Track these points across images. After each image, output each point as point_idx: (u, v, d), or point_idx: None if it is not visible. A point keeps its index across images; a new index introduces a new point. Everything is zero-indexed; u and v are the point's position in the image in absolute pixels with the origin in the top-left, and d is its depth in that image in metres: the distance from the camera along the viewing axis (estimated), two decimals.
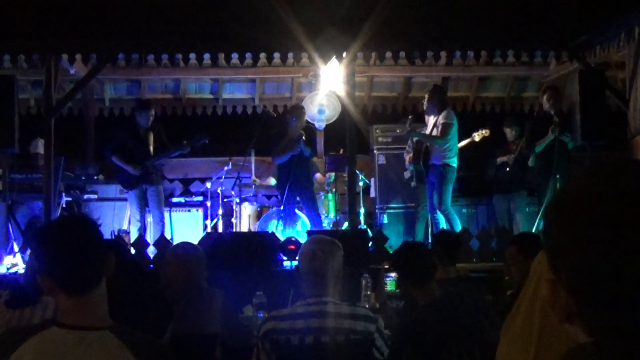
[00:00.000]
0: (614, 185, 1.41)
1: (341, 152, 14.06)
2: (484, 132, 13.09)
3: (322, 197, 13.79)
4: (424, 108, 12.65)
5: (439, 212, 12.10)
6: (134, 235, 11.97)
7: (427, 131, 12.52)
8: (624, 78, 13.05)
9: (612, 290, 1.37)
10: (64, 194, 12.70)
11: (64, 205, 12.62)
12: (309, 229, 12.17)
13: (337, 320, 4.81)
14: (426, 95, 12.66)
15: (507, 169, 12.90)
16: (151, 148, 12.41)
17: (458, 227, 11.92)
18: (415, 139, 12.69)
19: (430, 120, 12.56)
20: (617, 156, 12.91)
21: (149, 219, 12.70)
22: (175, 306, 5.94)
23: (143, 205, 12.45)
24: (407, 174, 13.30)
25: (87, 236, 3.15)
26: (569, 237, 1.43)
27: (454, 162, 12.19)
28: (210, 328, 5.95)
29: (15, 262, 11.35)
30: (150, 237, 12.13)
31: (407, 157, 13.06)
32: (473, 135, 13.12)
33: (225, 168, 13.82)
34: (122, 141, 12.39)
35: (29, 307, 5.52)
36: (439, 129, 12.25)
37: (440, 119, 12.26)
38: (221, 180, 13.88)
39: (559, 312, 1.48)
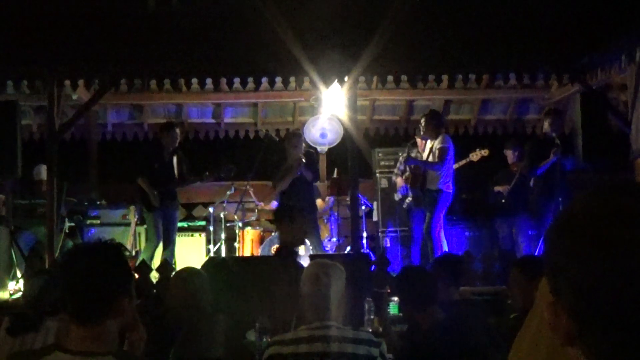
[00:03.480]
0: (614, 207, 1.41)
1: (336, 173, 14.10)
2: (483, 152, 13.06)
3: (325, 221, 13.79)
4: (421, 132, 12.64)
5: (433, 236, 12.06)
6: (145, 257, 12.01)
7: (424, 156, 12.52)
8: (625, 100, 13.04)
9: (611, 312, 1.37)
10: (66, 219, 12.69)
11: (67, 231, 12.61)
12: (311, 253, 12.15)
13: (340, 344, 4.80)
14: (422, 120, 12.64)
15: (503, 200, 12.90)
16: (176, 172, 12.49)
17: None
18: (412, 165, 12.70)
19: (427, 144, 12.57)
20: (619, 178, 12.91)
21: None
22: (178, 330, 5.94)
23: (161, 229, 12.46)
24: (397, 196, 13.33)
25: (103, 274, 3.14)
26: (568, 258, 1.43)
27: (451, 188, 12.17)
28: (213, 352, 5.95)
29: (18, 289, 11.35)
30: (155, 262, 12.14)
31: (398, 180, 13.10)
32: (470, 155, 13.10)
33: (228, 192, 13.81)
34: (148, 164, 12.43)
35: (31, 333, 5.51)
36: (436, 154, 12.25)
37: (437, 144, 12.24)
38: (224, 205, 13.87)
39: (560, 334, 1.48)
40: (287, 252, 8.45)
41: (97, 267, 3.12)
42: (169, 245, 12.51)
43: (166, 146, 12.54)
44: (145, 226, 13.02)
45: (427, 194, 12.27)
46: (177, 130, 12.79)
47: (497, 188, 13.15)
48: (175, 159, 12.57)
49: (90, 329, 3.07)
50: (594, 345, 1.43)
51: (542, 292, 1.89)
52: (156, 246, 12.41)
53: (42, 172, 12.70)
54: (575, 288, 1.41)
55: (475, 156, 13.07)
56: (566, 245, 1.44)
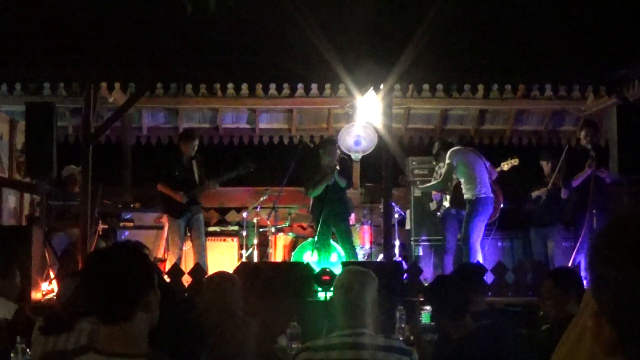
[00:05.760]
0: None
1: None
2: (513, 162, 12.98)
3: (357, 229, 13.77)
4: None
5: (469, 244, 12.04)
6: (171, 264, 11.99)
7: None
8: None
9: None
10: (100, 221, 12.74)
11: (100, 233, 12.66)
12: (344, 260, 12.14)
13: (372, 352, 4.79)
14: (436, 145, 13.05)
15: (542, 202, 12.84)
16: (196, 177, 12.51)
17: None
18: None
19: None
20: None
21: (186, 247, 12.70)
22: (209, 335, 5.94)
23: (184, 235, 12.50)
24: (432, 206, 13.34)
25: (126, 269, 3.18)
26: (612, 268, 1.42)
27: (485, 192, 12.12)
28: (244, 357, 5.95)
29: (51, 289, 11.41)
30: (186, 266, 12.16)
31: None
32: (501, 165, 13.03)
33: (262, 198, 13.83)
34: (168, 170, 12.47)
35: (64, 333, 5.54)
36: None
37: (442, 165, 12.56)
38: (257, 210, 13.89)
39: (603, 344, 1.48)
40: None
41: (116, 266, 3.18)
42: (202, 251, 12.52)
43: (185, 153, 12.58)
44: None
45: (467, 204, 12.26)
46: (196, 141, 12.78)
47: (535, 192, 13.09)
48: (195, 164, 12.61)
49: (119, 328, 3.10)
50: (636, 356, 1.42)
51: (586, 302, 1.88)
52: (180, 251, 12.42)
53: (70, 170, 12.86)
54: (619, 298, 1.41)
55: (505, 165, 13.00)
56: (609, 256, 1.44)
